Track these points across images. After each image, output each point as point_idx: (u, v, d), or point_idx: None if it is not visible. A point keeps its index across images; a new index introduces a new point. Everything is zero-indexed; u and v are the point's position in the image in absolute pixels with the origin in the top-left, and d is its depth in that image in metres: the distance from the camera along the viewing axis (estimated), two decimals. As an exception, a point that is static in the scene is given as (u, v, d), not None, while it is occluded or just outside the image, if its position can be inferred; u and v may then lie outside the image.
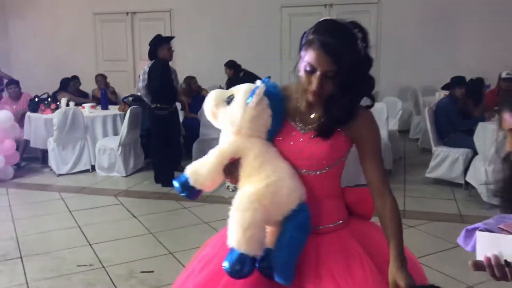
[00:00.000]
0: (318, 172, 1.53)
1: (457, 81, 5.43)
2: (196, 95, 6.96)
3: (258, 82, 1.55)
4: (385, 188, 1.53)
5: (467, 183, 4.90)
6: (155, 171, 5.54)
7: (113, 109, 6.58)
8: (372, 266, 1.48)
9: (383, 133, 5.65)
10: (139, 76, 5.94)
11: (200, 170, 1.50)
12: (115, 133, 6.17)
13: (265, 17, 9.21)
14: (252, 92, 1.50)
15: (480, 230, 1.17)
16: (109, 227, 4.25)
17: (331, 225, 1.55)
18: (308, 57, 1.40)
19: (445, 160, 5.11)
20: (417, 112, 7.72)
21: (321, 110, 1.50)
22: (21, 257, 3.59)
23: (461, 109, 5.34)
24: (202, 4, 9.41)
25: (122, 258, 3.50)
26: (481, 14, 8.16)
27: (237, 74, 7.21)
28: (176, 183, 1.53)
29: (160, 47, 5.32)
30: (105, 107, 6.58)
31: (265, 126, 1.51)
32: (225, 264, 1.39)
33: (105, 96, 6.69)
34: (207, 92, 6.91)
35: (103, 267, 3.39)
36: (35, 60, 10.11)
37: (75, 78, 7.69)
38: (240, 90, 1.55)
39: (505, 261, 1.10)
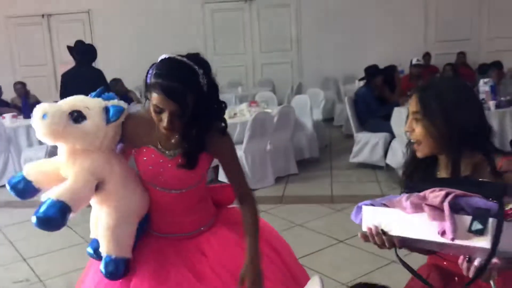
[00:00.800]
0: (183, 191, 1.69)
1: (373, 71, 5.79)
2: (122, 98, 6.87)
3: (97, 100, 1.65)
4: (245, 196, 1.75)
5: (387, 165, 5.28)
6: None
7: (36, 117, 6.37)
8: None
9: (308, 123, 5.94)
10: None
11: (78, 194, 1.55)
12: (40, 142, 5.97)
13: (187, 14, 9.23)
14: (110, 110, 1.60)
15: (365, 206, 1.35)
16: (42, 240, 4.16)
17: (191, 232, 1.75)
18: (154, 100, 1.49)
19: (366, 145, 5.47)
20: (339, 101, 8.12)
21: (180, 135, 1.62)
22: (-50, 281, 3.46)
23: (378, 96, 5.71)
24: (122, 3, 9.26)
25: (59, 271, 3.47)
26: (390, 5, 8.69)
27: None
28: (49, 215, 1.49)
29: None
30: (27, 116, 6.34)
31: (116, 142, 1.67)
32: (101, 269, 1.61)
33: (26, 104, 6.46)
34: (135, 94, 6.89)
35: (41, 281, 3.35)
36: None
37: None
38: (94, 107, 1.60)
39: (382, 230, 1.29)
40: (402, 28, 8.73)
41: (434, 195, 1.19)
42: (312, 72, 9.08)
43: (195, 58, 1.55)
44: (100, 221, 1.64)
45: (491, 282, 1.21)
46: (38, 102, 7.65)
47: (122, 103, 1.66)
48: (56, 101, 5.81)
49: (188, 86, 1.48)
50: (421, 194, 1.22)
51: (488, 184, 1.28)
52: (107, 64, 8.37)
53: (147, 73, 1.53)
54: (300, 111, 5.84)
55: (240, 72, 9.49)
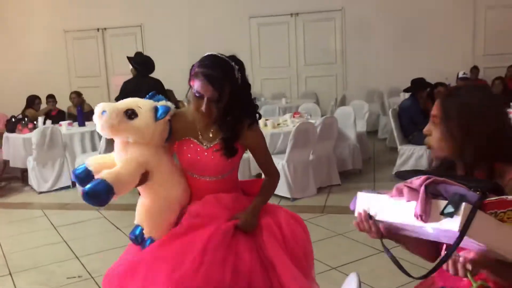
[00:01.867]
0: (218, 177, 1.92)
1: (419, 84, 5.77)
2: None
3: (148, 101, 1.87)
4: (272, 172, 2.07)
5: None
6: None
7: (90, 126, 6.71)
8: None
9: (351, 135, 5.98)
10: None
11: (122, 178, 1.72)
12: (94, 149, 6.32)
13: (234, 28, 9.48)
14: (159, 110, 1.81)
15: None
16: (95, 240, 4.41)
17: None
18: (196, 86, 1.79)
19: (410, 158, 5.45)
20: (383, 113, 8.08)
21: (215, 127, 1.89)
22: (10, 274, 3.72)
23: (423, 109, 5.68)
24: (173, 18, 9.62)
25: (109, 268, 3.67)
26: (439, 19, 8.60)
27: None
28: (95, 190, 1.67)
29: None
30: (82, 124, 6.71)
31: (165, 137, 1.87)
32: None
33: (81, 113, 6.82)
34: (184, 105, 7.14)
35: (92, 277, 3.56)
36: (5, 79, 10.12)
37: (50, 97, 7.77)
38: (145, 107, 1.82)
39: (369, 215, 1.33)
40: (449, 41, 8.61)
41: (416, 179, 1.21)
42: (356, 85, 9.09)
43: (233, 57, 1.87)
44: (145, 207, 1.82)
45: (468, 276, 1.16)
46: (92, 111, 8.04)
47: (170, 104, 1.89)
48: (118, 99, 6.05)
49: (225, 75, 1.78)
50: (409, 180, 1.24)
51: (480, 180, 1.27)
52: (158, 76, 8.72)
53: (192, 66, 1.83)
54: (344, 122, 5.89)
55: (285, 84, 9.62)
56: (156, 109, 1.83)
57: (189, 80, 1.83)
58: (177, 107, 6.22)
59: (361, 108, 6.90)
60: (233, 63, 1.82)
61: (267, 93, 9.29)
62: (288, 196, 4.98)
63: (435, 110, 1.42)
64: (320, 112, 6.95)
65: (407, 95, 7.57)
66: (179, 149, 1.93)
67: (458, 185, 1.17)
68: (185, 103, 7.20)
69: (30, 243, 4.39)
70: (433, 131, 1.43)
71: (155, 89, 5.50)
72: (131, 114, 1.78)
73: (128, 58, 5.72)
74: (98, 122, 1.77)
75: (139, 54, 5.66)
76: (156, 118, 1.80)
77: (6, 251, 4.19)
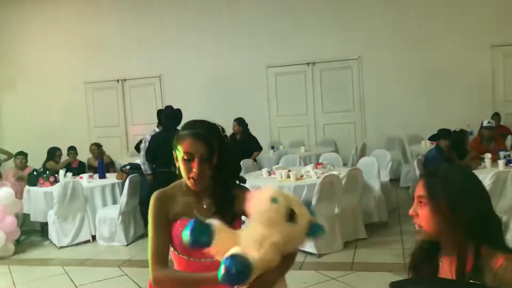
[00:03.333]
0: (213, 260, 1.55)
1: (442, 134, 5.70)
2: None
3: (305, 209, 1.54)
4: None
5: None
6: None
7: (111, 178, 6.71)
8: None
9: (375, 186, 5.86)
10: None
11: (263, 259, 1.46)
12: (114, 201, 6.27)
13: (252, 77, 9.59)
14: (315, 228, 1.51)
15: None
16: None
17: None
18: (184, 148, 1.71)
19: (438, 210, 5.28)
20: (405, 161, 7.97)
21: (207, 197, 1.78)
22: None
23: (448, 159, 5.58)
24: (191, 68, 9.78)
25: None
26: (457, 66, 8.61)
27: (245, 132, 7.42)
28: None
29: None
30: (102, 176, 6.70)
31: None
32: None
33: (102, 165, 6.82)
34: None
35: None
36: (27, 131, 10.27)
37: (71, 149, 7.83)
38: (304, 217, 1.50)
39: None
40: (469, 87, 8.57)
41: None
42: (375, 132, 9.04)
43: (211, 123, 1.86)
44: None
45: None
46: (112, 162, 8.12)
47: (322, 226, 1.60)
48: (132, 163, 6.02)
49: (212, 132, 1.76)
50: None
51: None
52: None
53: (175, 138, 1.78)
54: (367, 173, 5.79)
55: (302, 133, 9.60)
56: (312, 225, 1.52)
57: (174, 149, 1.78)
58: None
59: (383, 157, 6.80)
60: (215, 124, 1.83)
61: (285, 141, 9.26)
62: (315, 252, 4.84)
63: (420, 191, 1.45)
64: (341, 161, 6.87)
65: (428, 143, 7.53)
66: (175, 231, 1.73)
67: None
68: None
69: (52, 304, 4.28)
70: (419, 212, 1.45)
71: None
72: (292, 216, 1.49)
73: (158, 111, 5.76)
74: (265, 209, 1.49)
75: (170, 108, 5.69)
76: (308, 234, 1.52)
77: (27, 313, 4.08)
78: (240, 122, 7.52)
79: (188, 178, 1.74)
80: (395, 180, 8.00)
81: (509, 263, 1.30)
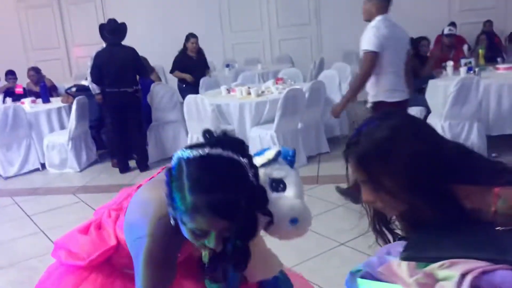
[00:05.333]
0: None
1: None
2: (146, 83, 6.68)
3: None
4: None
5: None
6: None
7: (56, 102, 6.21)
8: None
9: (337, 99, 5.70)
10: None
11: None
12: (62, 126, 5.85)
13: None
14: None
15: (362, 277, 1.07)
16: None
17: None
18: (198, 224, 1.10)
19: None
20: (363, 75, 7.84)
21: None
22: (-15, 273, 3.35)
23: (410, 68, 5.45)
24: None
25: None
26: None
27: (200, 50, 6.89)
28: None
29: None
30: (46, 101, 6.19)
31: None
32: None
33: (45, 88, 6.29)
34: (157, 74, 6.66)
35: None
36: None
37: (10, 74, 7.15)
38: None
39: None
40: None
41: (446, 273, 0.93)
42: (332, 46, 8.79)
43: (231, 143, 1.16)
44: None
45: None
46: (55, 86, 7.52)
47: None
48: (78, 84, 5.58)
49: (241, 191, 1.10)
50: (428, 270, 0.95)
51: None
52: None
53: (171, 192, 1.12)
54: (329, 87, 5.62)
55: (258, 49, 9.22)
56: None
57: (173, 211, 1.14)
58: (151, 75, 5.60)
59: (343, 70, 6.63)
60: (240, 159, 1.14)
61: (240, 59, 8.89)
62: (279, 167, 4.72)
63: (356, 174, 1.15)
64: (302, 76, 6.65)
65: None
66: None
67: (499, 268, 0.90)
68: (156, 72, 6.74)
69: (3, 236, 3.98)
70: (369, 196, 1.14)
71: (129, 59, 5.14)
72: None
73: (100, 26, 5.24)
74: (287, 232, 1.30)
75: (113, 21, 5.16)
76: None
77: (-23, 247, 3.78)
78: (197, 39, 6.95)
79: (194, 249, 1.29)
80: (352, 94, 7.91)
81: (506, 192, 1.04)
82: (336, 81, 5.75)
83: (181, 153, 1.15)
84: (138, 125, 5.35)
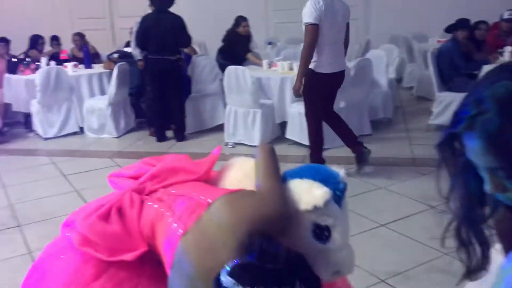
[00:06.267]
0: None
1: (461, 24, 5.23)
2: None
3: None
4: None
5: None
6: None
7: (97, 68, 6.23)
8: None
9: (383, 81, 5.51)
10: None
11: None
12: (102, 92, 5.85)
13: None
14: None
15: None
16: (109, 189, 4.02)
17: None
18: None
19: (450, 106, 4.97)
20: (410, 60, 7.54)
21: None
22: (19, 226, 3.37)
23: (464, 52, 5.17)
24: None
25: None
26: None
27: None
28: None
29: None
30: (88, 66, 6.21)
31: None
32: None
33: (88, 54, 6.30)
34: (192, 48, 6.53)
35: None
36: (5, 20, 9.47)
37: (54, 39, 7.21)
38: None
39: None
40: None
41: None
42: (379, 29, 8.48)
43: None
44: None
45: None
46: (97, 53, 7.55)
47: None
48: (120, 50, 5.53)
49: None
50: None
51: None
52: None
53: None
54: (375, 67, 5.38)
55: (300, 29, 8.96)
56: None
57: None
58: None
59: (390, 53, 6.37)
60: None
61: (282, 37, 8.68)
62: (318, 145, 4.56)
63: (483, 159, 0.80)
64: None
65: (435, 41, 7.06)
66: None
67: None
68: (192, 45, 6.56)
69: (39, 192, 4.01)
70: (499, 186, 0.81)
71: (176, 27, 5.03)
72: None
73: None
74: (325, 279, 1.19)
75: None
76: None
77: (14, 201, 3.81)
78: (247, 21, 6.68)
79: None
80: (397, 80, 7.62)
81: None
82: (383, 62, 5.50)
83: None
84: (178, 95, 5.27)
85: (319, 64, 3.77)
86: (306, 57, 3.73)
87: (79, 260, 1.32)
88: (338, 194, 1.23)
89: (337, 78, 3.89)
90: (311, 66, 3.77)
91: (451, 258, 2.60)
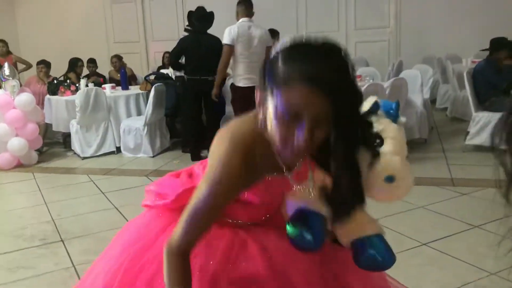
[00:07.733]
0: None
1: (497, 44, 5.18)
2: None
3: None
4: None
5: (512, 149, 4.70)
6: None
7: (134, 89, 6.39)
8: None
9: (418, 101, 5.46)
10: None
11: None
12: (139, 113, 5.99)
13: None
14: None
15: None
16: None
17: None
18: (289, 97, 0.95)
19: (487, 126, 4.90)
20: (444, 81, 7.48)
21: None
22: (62, 240, 3.44)
23: (497, 68, 5.09)
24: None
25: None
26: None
27: None
28: None
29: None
30: (125, 87, 6.38)
31: None
32: None
33: (125, 75, 6.48)
34: (227, 73, 6.61)
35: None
36: (46, 44, 9.86)
37: (90, 62, 7.46)
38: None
39: None
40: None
41: None
42: (411, 49, 8.45)
43: (335, 45, 1.01)
44: None
45: None
46: (134, 75, 7.76)
47: None
48: (156, 72, 5.67)
49: (345, 78, 0.96)
50: None
51: None
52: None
53: (266, 64, 1.02)
54: (409, 87, 5.35)
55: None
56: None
57: (265, 87, 1.03)
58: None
59: (424, 73, 6.32)
60: (343, 54, 0.99)
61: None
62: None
63: None
64: (380, 76, 6.42)
65: (469, 61, 6.99)
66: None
67: None
68: (229, 70, 6.74)
69: (79, 208, 4.10)
70: None
71: (215, 48, 5.15)
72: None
73: (189, 12, 5.33)
74: (382, 190, 1.18)
75: (202, 9, 5.23)
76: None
77: (55, 217, 3.91)
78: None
79: (281, 146, 1.03)
80: (431, 101, 7.55)
81: None
82: (418, 82, 5.48)
83: None
84: (214, 114, 5.36)
85: (235, 78, 4.88)
86: (221, 71, 4.92)
87: (152, 216, 1.39)
88: (392, 112, 1.21)
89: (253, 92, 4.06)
90: (232, 80, 4.91)
91: (499, 278, 2.54)
